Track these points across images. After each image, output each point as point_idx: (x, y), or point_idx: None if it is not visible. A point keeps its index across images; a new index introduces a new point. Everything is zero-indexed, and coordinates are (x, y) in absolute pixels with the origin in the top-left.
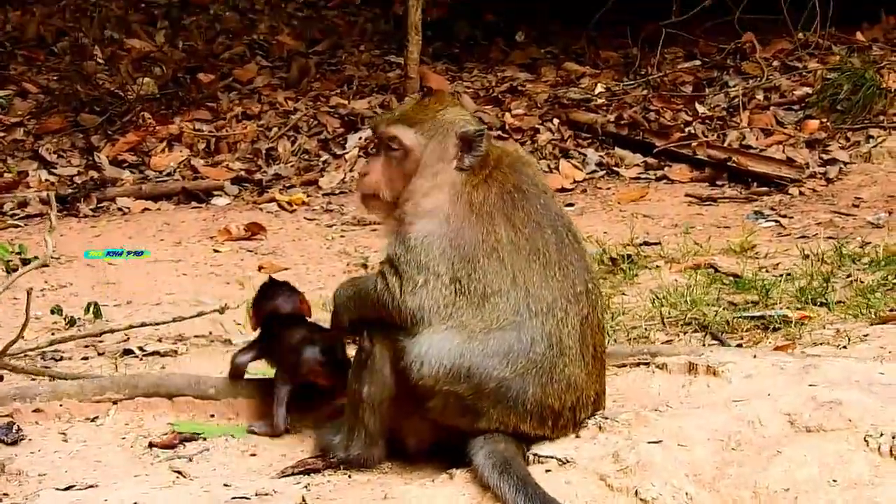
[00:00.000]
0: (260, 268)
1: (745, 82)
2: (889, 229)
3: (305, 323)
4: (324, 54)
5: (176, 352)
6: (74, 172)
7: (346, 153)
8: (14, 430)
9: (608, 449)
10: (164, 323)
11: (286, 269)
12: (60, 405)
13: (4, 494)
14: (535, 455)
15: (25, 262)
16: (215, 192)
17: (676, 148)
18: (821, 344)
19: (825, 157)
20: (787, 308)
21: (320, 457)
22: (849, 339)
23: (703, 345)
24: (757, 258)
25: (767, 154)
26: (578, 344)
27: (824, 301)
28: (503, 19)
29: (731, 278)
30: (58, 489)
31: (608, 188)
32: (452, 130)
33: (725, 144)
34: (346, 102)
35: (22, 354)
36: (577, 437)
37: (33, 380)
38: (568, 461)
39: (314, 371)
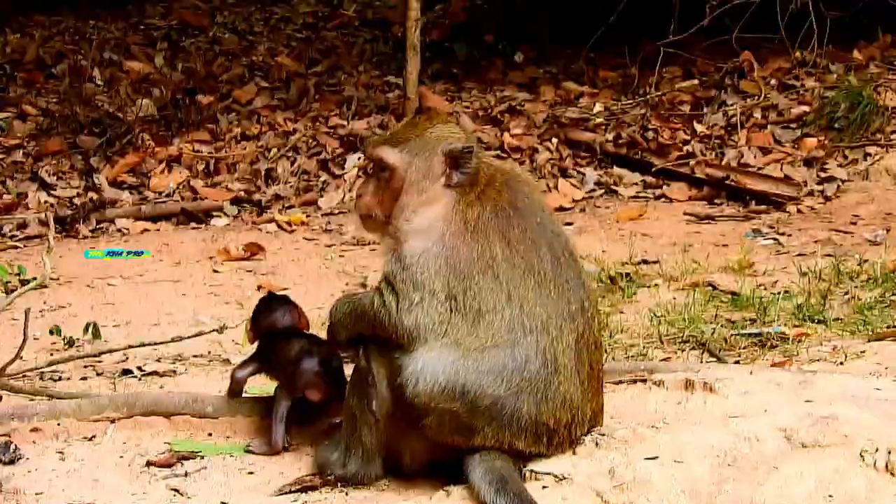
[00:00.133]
0: (259, 287)
1: (743, 101)
2: (886, 246)
3: (304, 336)
4: (323, 75)
5: (175, 372)
6: (73, 194)
7: (346, 173)
8: (12, 449)
9: (605, 465)
10: (162, 343)
11: (285, 288)
12: (58, 424)
13: None
14: (531, 471)
15: (24, 282)
16: (214, 213)
17: (675, 167)
18: (818, 360)
19: (823, 175)
20: (785, 325)
21: (318, 474)
22: (846, 356)
23: (701, 362)
24: (755, 276)
25: (765, 172)
26: (574, 362)
27: (822, 318)
28: (502, 40)
29: (729, 296)
30: None
31: (607, 207)
32: (439, 148)
33: (724, 163)
34: (345, 123)
35: (20, 375)
36: (574, 453)
37: (31, 399)
38: (564, 478)
39: (312, 382)
